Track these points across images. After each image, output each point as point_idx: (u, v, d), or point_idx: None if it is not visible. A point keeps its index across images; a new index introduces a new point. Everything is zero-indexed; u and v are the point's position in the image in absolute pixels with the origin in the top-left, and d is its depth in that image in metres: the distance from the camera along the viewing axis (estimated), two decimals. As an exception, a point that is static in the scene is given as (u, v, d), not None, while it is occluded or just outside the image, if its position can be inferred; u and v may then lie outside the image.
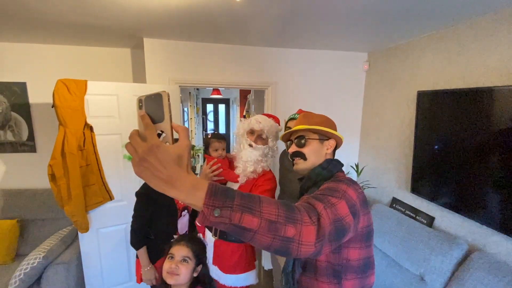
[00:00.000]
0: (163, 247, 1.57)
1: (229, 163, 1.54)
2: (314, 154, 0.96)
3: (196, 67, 2.37)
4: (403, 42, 2.19)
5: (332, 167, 0.94)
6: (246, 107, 4.78)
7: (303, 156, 0.97)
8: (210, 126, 7.30)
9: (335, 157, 1.02)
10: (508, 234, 1.40)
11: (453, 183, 1.68)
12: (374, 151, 2.53)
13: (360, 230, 0.79)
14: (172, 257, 1.12)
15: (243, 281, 1.51)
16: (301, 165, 0.98)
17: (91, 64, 2.49)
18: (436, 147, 1.79)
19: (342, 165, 0.99)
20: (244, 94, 5.25)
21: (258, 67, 2.48)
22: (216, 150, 1.52)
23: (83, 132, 1.90)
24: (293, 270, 0.90)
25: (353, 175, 2.71)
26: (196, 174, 4.44)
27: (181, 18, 1.76)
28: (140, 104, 0.49)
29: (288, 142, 1.09)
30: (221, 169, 1.47)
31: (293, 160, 1.02)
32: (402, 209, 2.14)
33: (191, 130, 4.94)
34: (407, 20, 1.69)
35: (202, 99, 7.02)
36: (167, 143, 0.48)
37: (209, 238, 1.53)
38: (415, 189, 1.97)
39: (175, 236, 1.62)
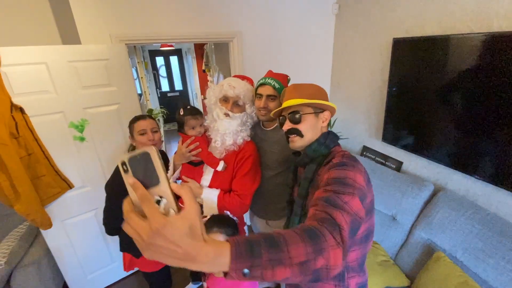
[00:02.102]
0: None
1: (208, 141, 1.38)
2: (310, 130, 0.92)
3: (142, 18, 1.92)
4: (376, -19, 2.01)
5: (329, 142, 0.91)
6: (204, 59, 4.30)
7: (299, 133, 0.92)
8: (164, 83, 6.59)
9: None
10: (465, 172, 1.58)
11: (420, 128, 1.78)
12: (345, 102, 2.54)
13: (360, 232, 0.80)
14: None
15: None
16: (297, 142, 0.94)
17: (-5, 20, 1.86)
18: (408, 95, 1.83)
19: (338, 137, 0.95)
20: (199, 44, 4.68)
21: (218, 15, 2.12)
22: (193, 128, 1.32)
23: (12, 116, 1.51)
24: None
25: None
26: (162, 141, 4.14)
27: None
28: (125, 167, 0.41)
29: (281, 118, 1.00)
30: (200, 149, 1.31)
31: (288, 137, 0.97)
32: (372, 156, 2.28)
33: (144, 91, 4.39)
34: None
35: (149, 51, 6.12)
36: (171, 211, 0.41)
37: None
38: (386, 137, 2.07)
39: None
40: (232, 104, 1.30)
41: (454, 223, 1.48)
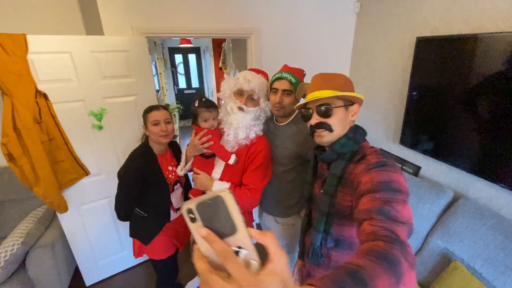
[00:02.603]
0: (157, 224, 1.51)
1: (221, 134, 1.38)
2: (340, 124, 0.86)
3: (163, 12, 1.96)
4: (401, -22, 1.95)
5: (358, 137, 0.86)
6: (221, 57, 4.34)
7: (328, 128, 0.85)
8: (182, 80, 6.71)
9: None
10: (489, 180, 1.49)
11: (442, 132, 1.70)
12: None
13: None
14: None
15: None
16: (326, 137, 0.87)
17: (26, 13, 1.96)
18: (429, 97, 1.75)
19: (366, 132, 0.91)
20: (218, 42, 4.72)
21: (237, 11, 2.13)
22: (206, 120, 1.32)
23: (36, 102, 1.58)
24: (322, 245, 0.90)
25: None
26: (176, 136, 4.21)
27: None
28: (192, 216, 0.36)
29: (305, 110, 0.92)
30: (212, 142, 1.30)
31: (314, 131, 0.88)
32: (388, 159, 2.20)
33: (162, 87, 4.48)
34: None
35: (169, 48, 6.25)
36: (253, 262, 0.34)
37: None
38: (404, 140, 2.00)
39: (172, 211, 1.55)
40: (247, 98, 1.29)
41: (474, 233, 1.40)
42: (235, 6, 2.11)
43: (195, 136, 1.33)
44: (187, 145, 1.41)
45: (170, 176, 1.51)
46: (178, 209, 1.60)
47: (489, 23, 1.45)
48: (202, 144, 1.30)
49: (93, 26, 2.07)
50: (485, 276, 1.31)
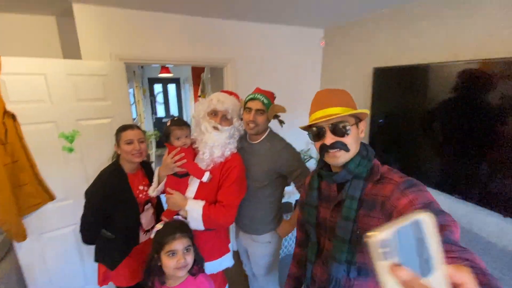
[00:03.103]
0: (125, 247, 1.44)
1: (194, 153, 1.40)
2: (355, 143, 0.80)
3: (143, 40, 2.06)
4: (358, 19, 2.24)
5: (370, 154, 0.82)
6: (200, 86, 4.49)
7: (345, 147, 0.78)
8: (160, 108, 6.74)
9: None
10: (447, 193, 1.62)
11: (403, 153, 1.86)
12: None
13: None
14: (174, 253, 1.08)
15: (218, 266, 1.47)
16: (342, 157, 0.79)
17: (3, 35, 1.98)
18: (389, 122, 1.93)
19: (374, 150, 0.86)
20: (197, 72, 4.91)
21: (214, 42, 2.29)
22: (178, 138, 1.34)
23: (3, 123, 1.53)
24: (343, 277, 0.80)
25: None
26: (152, 162, 4.10)
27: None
28: (385, 250, 0.27)
29: (315, 129, 0.83)
30: (185, 160, 1.32)
31: (327, 151, 0.80)
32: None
33: (139, 114, 4.48)
34: (365, -5, 1.70)
35: (149, 79, 6.37)
36: None
37: None
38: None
39: (141, 233, 1.48)
40: (221, 117, 1.35)
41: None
42: (212, 37, 2.28)
43: (167, 155, 1.34)
44: (160, 166, 1.41)
45: (140, 195, 1.48)
46: (148, 230, 1.54)
47: (433, 55, 1.69)
48: (175, 162, 1.31)
49: (70, 50, 2.11)
50: None
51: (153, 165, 1.54)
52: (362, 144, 0.84)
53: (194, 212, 1.29)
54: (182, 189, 1.38)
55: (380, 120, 2.01)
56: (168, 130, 1.35)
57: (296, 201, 2.47)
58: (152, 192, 1.45)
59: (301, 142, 2.66)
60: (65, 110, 1.76)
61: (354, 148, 0.80)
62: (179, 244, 1.09)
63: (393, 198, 0.69)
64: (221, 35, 2.30)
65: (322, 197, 0.90)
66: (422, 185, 0.70)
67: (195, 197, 1.36)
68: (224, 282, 1.60)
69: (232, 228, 1.86)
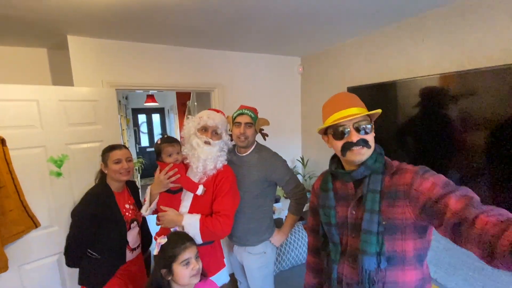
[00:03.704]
0: (112, 266, 1.41)
1: (186, 168, 1.44)
2: (373, 141, 0.87)
3: (134, 68, 2.18)
4: (331, 48, 2.53)
5: (382, 151, 0.89)
6: (186, 113, 4.61)
7: (367, 145, 0.83)
8: (144, 138, 6.72)
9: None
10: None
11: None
12: (316, 146, 2.81)
13: None
14: (188, 262, 1.09)
15: (216, 281, 1.45)
16: (365, 154, 0.84)
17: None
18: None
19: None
20: (182, 101, 5.05)
21: (200, 70, 2.46)
22: (170, 155, 1.39)
23: (-8, 147, 1.52)
24: (374, 268, 0.82)
25: (299, 167, 2.92)
26: (139, 188, 4.01)
27: (115, 14, 1.61)
28: None
29: (339, 128, 0.86)
30: (179, 175, 1.36)
31: (350, 149, 0.84)
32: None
33: (124, 143, 4.46)
34: (333, 26, 1.97)
35: (133, 109, 6.42)
36: None
37: None
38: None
39: (127, 251, 1.45)
40: (211, 133, 1.43)
41: (422, 243, 1.57)
42: (200, 65, 2.45)
43: (159, 173, 1.37)
44: (153, 184, 1.42)
45: (127, 214, 1.49)
46: (135, 249, 1.52)
47: (397, 74, 1.94)
48: (168, 178, 1.34)
49: (59, 79, 2.18)
50: (439, 281, 1.44)
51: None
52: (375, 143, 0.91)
53: (191, 227, 1.31)
54: (176, 206, 1.40)
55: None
56: (159, 147, 1.40)
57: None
58: (145, 211, 1.45)
59: (288, 160, 2.78)
60: (55, 135, 1.77)
61: (373, 145, 0.86)
62: (191, 252, 1.11)
63: (416, 184, 0.76)
64: (209, 62, 2.49)
65: (338, 197, 0.93)
66: (431, 170, 0.79)
67: (190, 212, 1.38)
68: None
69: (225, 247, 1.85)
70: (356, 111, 0.85)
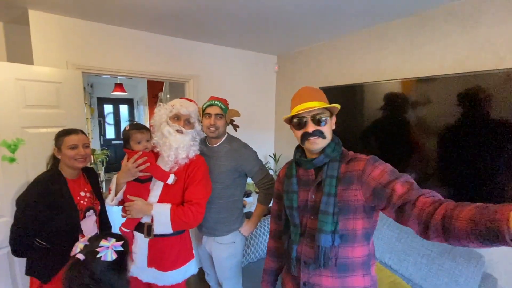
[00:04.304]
0: (62, 256, 1.30)
1: (156, 157, 1.40)
2: (329, 132, 0.96)
3: (103, 53, 2.07)
4: (306, 48, 2.63)
5: (340, 142, 1.00)
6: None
7: (322, 135, 0.93)
8: (110, 130, 6.35)
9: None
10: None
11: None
12: (289, 141, 2.89)
13: None
14: None
15: (184, 273, 1.44)
16: (320, 144, 0.94)
17: None
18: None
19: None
20: (153, 92, 4.87)
21: (175, 59, 2.41)
22: (139, 142, 1.33)
23: None
24: (329, 245, 0.90)
25: (271, 163, 2.99)
26: (101, 181, 3.78)
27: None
28: None
29: (297, 119, 0.96)
30: (148, 163, 1.32)
31: (307, 139, 0.93)
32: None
33: (88, 133, 4.17)
34: (307, 29, 2.06)
35: (98, 98, 6.03)
36: None
37: (141, 241, 1.37)
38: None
39: (80, 239, 1.37)
40: (184, 121, 1.40)
41: (380, 233, 1.71)
42: (176, 54, 2.39)
43: (127, 161, 1.32)
44: (120, 172, 1.36)
45: (82, 202, 1.40)
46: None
47: (364, 77, 2.08)
48: (137, 166, 1.30)
49: (16, 54, 1.99)
50: (393, 266, 1.58)
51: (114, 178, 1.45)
52: (333, 134, 1.00)
53: (161, 216, 1.28)
54: (144, 195, 1.36)
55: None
56: (128, 134, 1.34)
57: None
58: (111, 201, 1.38)
59: (261, 156, 2.83)
60: (9, 117, 1.62)
61: (329, 136, 0.95)
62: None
63: (368, 171, 0.86)
64: (184, 53, 2.44)
65: (301, 182, 1.02)
66: (380, 159, 0.90)
67: (159, 202, 1.35)
68: None
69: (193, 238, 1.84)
70: (315, 104, 0.92)
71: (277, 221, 1.17)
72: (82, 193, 1.42)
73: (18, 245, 1.25)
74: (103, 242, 0.91)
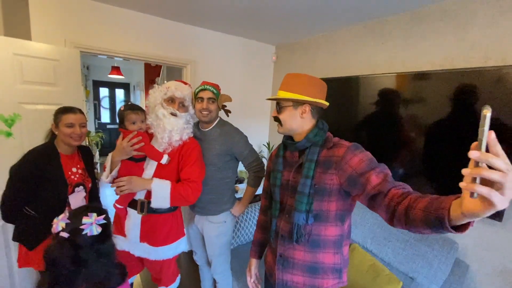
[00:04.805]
0: (48, 225, 1.35)
1: (150, 138, 1.43)
2: (289, 120, 1.00)
3: (102, 32, 2.07)
4: (304, 39, 2.66)
5: (325, 128, 1.03)
6: (154, 91, 4.45)
7: (280, 122, 1.03)
8: (105, 114, 6.31)
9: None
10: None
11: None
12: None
13: None
14: None
15: (175, 249, 1.50)
16: (279, 129, 1.06)
17: None
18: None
19: (328, 125, 1.08)
20: (150, 77, 4.84)
21: (175, 44, 2.42)
22: (134, 123, 1.36)
23: None
24: (302, 223, 0.97)
25: (265, 152, 3.05)
26: (97, 163, 3.79)
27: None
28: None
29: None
30: (143, 143, 1.35)
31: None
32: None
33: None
34: (305, 21, 2.09)
35: (94, 81, 5.96)
36: None
37: (134, 217, 1.42)
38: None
39: (59, 216, 1.39)
40: (178, 104, 1.43)
41: (363, 220, 1.80)
42: (175, 38, 2.40)
43: (122, 140, 1.35)
44: (114, 151, 1.39)
45: (72, 177, 1.44)
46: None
47: (356, 70, 2.13)
48: (131, 146, 1.33)
49: (13, 29, 1.97)
50: (373, 250, 1.68)
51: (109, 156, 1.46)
52: (320, 120, 1.04)
53: (161, 190, 1.32)
54: (138, 174, 1.40)
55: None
56: (122, 114, 1.37)
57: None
58: (106, 178, 1.43)
59: (254, 145, 2.89)
60: (7, 91, 1.64)
61: (288, 124, 1.01)
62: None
63: (347, 157, 0.90)
64: (184, 37, 2.45)
65: (286, 163, 1.08)
66: (361, 147, 0.94)
67: (153, 180, 1.41)
68: (177, 272, 1.63)
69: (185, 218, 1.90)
70: (280, 94, 1.01)
71: (266, 197, 1.25)
72: (74, 169, 1.45)
73: (8, 211, 1.30)
74: (85, 219, 0.93)
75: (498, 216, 1.39)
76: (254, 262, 1.28)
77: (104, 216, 0.98)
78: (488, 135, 0.43)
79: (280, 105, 1.01)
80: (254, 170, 1.59)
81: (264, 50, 2.99)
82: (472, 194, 0.46)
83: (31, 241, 1.34)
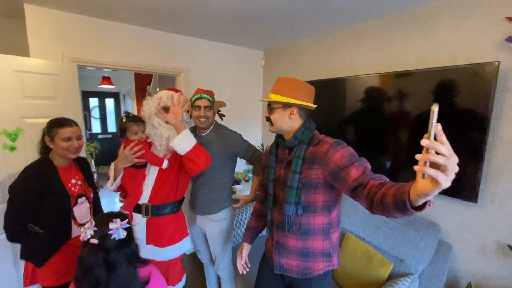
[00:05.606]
0: (55, 241, 1.38)
1: (149, 146, 1.51)
2: (279, 120, 1.10)
3: (97, 46, 2.15)
4: (290, 44, 2.80)
5: (312, 127, 1.12)
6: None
7: (270, 122, 1.13)
8: (96, 124, 6.28)
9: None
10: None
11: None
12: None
13: None
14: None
15: (180, 249, 1.58)
16: (270, 128, 1.16)
17: None
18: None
19: (315, 125, 1.16)
20: (141, 85, 4.88)
21: (167, 53, 2.51)
22: (136, 133, 1.44)
23: None
24: (293, 214, 1.07)
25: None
26: (95, 172, 3.81)
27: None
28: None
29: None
30: (144, 150, 1.43)
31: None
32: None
33: (76, 126, 4.16)
34: (291, 26, 2.23)
35: (83, 92, 5.93)
36: None
37: (139, 221, 1.50)
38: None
39: (74, 226, 1.42)
40: None
41: (355, 210, 1.94)
42: (167, 48, 2.50)
43: (124, 149, 1.43)
44: (116, 160, 1.46)
45: (73, 189, 1.44)
46: (83, 224, 1.47)
47: (344, 72, 2.28)
48: (133, 154, 1.40)
49: (11, 47, 2.03)
50: (366, 238, 1.81)
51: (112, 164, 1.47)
52: (307, 120, 1.13)
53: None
54: (140, 180, 1.49)
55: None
56: (125, 126, 1.44)
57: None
58: (111, 186, 1.50)
59: (248, 146, 3.03)
60: (9, 107, 1.69)
61: (278, 124, 1.11)
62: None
63: (329, 153, 0.99)
64: (175, 47, 2.55)
65: (278, 160, 1.18)
66: (344, 142, 1.03)
67: (155, 185, 1.49)
68: (182, 271, 1.71)
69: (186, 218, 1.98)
70: (271, 96, 1.11)
71: (262, 189, 1.37)
72: (73, 181, 1.44)
73: (11, 231, 1.29)
74: (111, 225, 1.03)
75: (473, 197, 1.55)
76: (245, 246, 1.37)
77: (127, 220, 1.08)
78: (435, 127, 0.50)
79: (271, 106, 1.11)
80: (258, 160, 1.69)
81: (253, 55, 3.11)
82: (423, 176, 0.54)
83: (40, 258, 1.32)
